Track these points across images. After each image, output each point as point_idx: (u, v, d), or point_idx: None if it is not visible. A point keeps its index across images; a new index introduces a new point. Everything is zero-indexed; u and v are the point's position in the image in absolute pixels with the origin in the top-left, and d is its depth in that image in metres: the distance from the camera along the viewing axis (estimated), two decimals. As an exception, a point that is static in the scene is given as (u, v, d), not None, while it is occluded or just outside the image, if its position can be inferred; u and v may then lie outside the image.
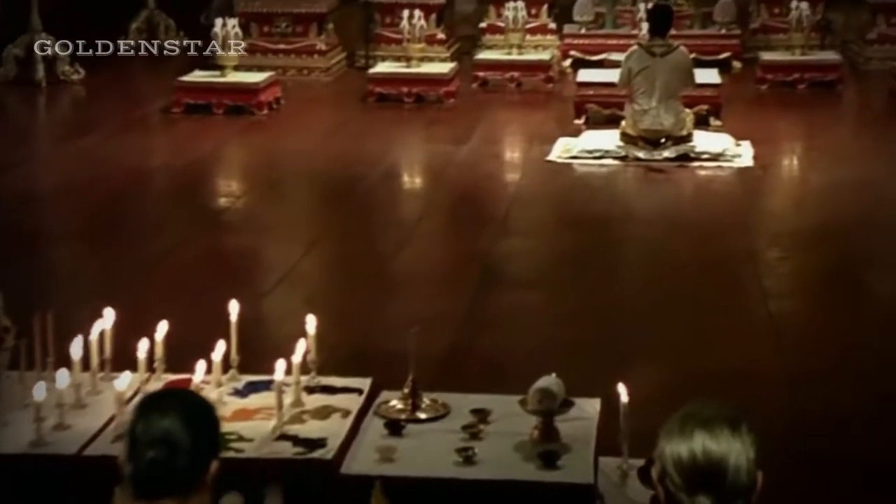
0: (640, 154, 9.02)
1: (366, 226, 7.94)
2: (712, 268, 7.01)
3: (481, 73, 11.46)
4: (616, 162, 9.03)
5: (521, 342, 5.91)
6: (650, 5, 10.60)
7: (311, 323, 4.43)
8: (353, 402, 4.28)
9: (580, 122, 9.99)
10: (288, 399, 4.21)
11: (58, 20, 11.78)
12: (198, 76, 10.85)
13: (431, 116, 10.58)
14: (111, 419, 4.09)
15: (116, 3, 12.98)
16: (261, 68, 11.36)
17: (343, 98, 11.29)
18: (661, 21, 9.31)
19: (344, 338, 5.50)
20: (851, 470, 4.73)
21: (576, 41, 11.88)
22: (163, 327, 4.49)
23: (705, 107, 9.87)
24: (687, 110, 9.25)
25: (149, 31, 13.18)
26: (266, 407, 4.19)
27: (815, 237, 7.59)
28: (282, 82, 11.16)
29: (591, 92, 10.17)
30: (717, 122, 9.86)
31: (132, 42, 13.08)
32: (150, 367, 4.40)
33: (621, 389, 3.98)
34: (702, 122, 9.59)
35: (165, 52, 12.81)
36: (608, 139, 9.20)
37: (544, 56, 11.71)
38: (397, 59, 11.61)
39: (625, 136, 9.11)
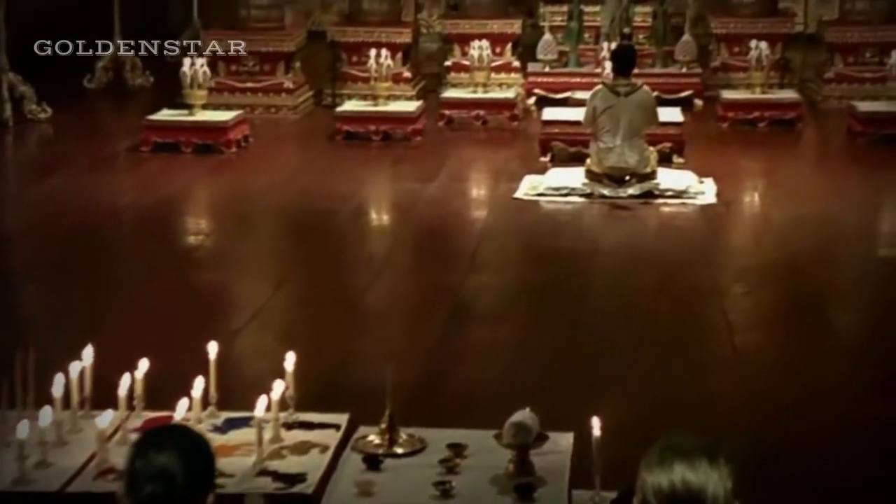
0: (606, 191, 9.18)
1: (336, 262, 8.02)
2: (678, 302, 7.14)
3: (447, 111, 11.60)
4: (582, 199, 9.18)
5: (492, 375, 6.00)
6: (614, 45, 10.80)
7: (289, 360, 4.51)
8: (331, 438, 4.37)
9: (546, 159, 10.14)
10: (267, 435, 4.28)
11: (25, 59, 11.82)
12: (166, 115, 10.92)
13: (399, 154, 10.70)
14: (92, 456, 4.14)
15: (83, 42, 13.04)
16: (228, 107, 11.46)
17: (311, 136, 11.40)
18: (625, 61, 9.50)
19: (317, 373, 5.57)
20: (817, 496, 4.85)
21: (540, 79, 12.05)
22: (143, 365, 4.56)
23: (668, 144, 10.05)
24: (651, 148, 9.42)
25: (115, 70, 13.25)
26: (246, 443, 4.26)
27: (777, 272, 7.75)
28: (250, 120, 11.25)
29: (556, 130, 10.32)
30: (680, 160, 10.04)
31: (99, 80, 13.16)
32: (130, 405, 4.46)
33: (594, 423, 4.08)
34: (665, 160, 9.76)
35: (132, 90, 12.90)
36: (574, 177, 9.35)
37: (509, 94, 11.87)
38: (364, 97, 11.74)
39: (590, 174, 9.26)
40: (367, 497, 3.94)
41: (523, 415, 4.29)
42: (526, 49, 12.64)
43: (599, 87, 9.56)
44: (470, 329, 6.74)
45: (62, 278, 7.53)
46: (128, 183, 10.10)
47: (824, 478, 4.95)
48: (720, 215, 8.94)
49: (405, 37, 12.61)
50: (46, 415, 4.11)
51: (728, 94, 11.72)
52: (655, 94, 9.80)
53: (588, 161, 9.36)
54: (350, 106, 11.49)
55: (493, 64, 11.89)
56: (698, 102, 11.86)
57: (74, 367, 4.41)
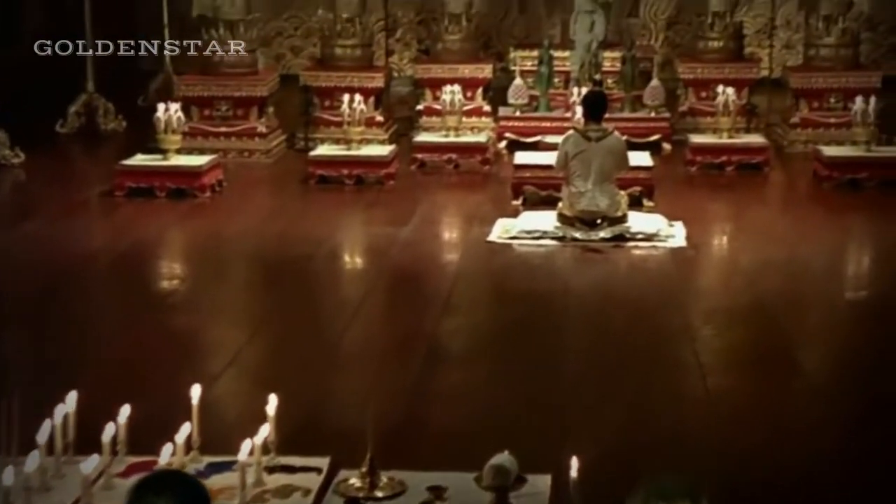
0: (578, 234, 9.31)
1: (312, 306, 8.09)
2: (650, 344, 7.25)
3: (420, 155, 11.71)
4: (554, 242, 9.30)
5: (469, 417, 6.08)
6: (584, 90, 10.96)
7: (272, 403, 4.57)
8: (313, 481, 4.43)
9: (518, 202, 10.26)
10: (250, 479, 4.33)
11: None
12: (140, 160, 10.97)
13: (372, 198, 10.79)
14: (76, 502, 4.18)
15: (56, 87, 13.10)
16: (202, 151, 11.52)
17: (284, 180, 11.48)
18: (595, 108, 9.66)
19: (297, 416, 5.62)
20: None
21: (511, 123, 12.19)
22: (125, 411, 4.61)
23: (638, 188, 10.19)
24: (621, 192, 9.56)
25: (88, 115, 13.30)
26: (228, 487, 4.31)
27: (747, 314, 7.88)
28: (223, 165, 11.33)
29: (527, 174, 10.45)
30: (650, 204, 10.18)
31: (72, 125, 13.21)
32: (113, 450, 4.51)
33: (573, 464, 4.16)
34: (635, 204, 9.90)
35: (105, 134, 12.95)
36: (546, 220, 9.47)
37: (481, 138, 12.00)
38: (336, 140, 11.84)
39: (562, 218, 9.39)
40: (349, 540, 4.00)
41: (502, 457, 4.38)
42: (497, 93, 12.79)
43: (571, 132, 9.71)
44: (446, 371, 6.82)
45: (38, 324, 7.55)
46: (102, 228, 10.13)
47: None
48: (690, 258, 9.08)
49: (377, 81, 12.74)
50: (33, 460, 4.15)
51: (696, 139, 11.90)
52: (625, 137, 9.95)
53: (560, 205, 9.49)
54: (323, 150, 11.58)
55: (465, 108, 12.03)
56: (667, 146, 12.03)
57: (59, 412, 4.45)
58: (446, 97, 11.76)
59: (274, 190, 11.31)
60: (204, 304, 8.06)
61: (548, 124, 11.82)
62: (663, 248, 9.19)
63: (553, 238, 9.32)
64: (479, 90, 12.85)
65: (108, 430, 4.40)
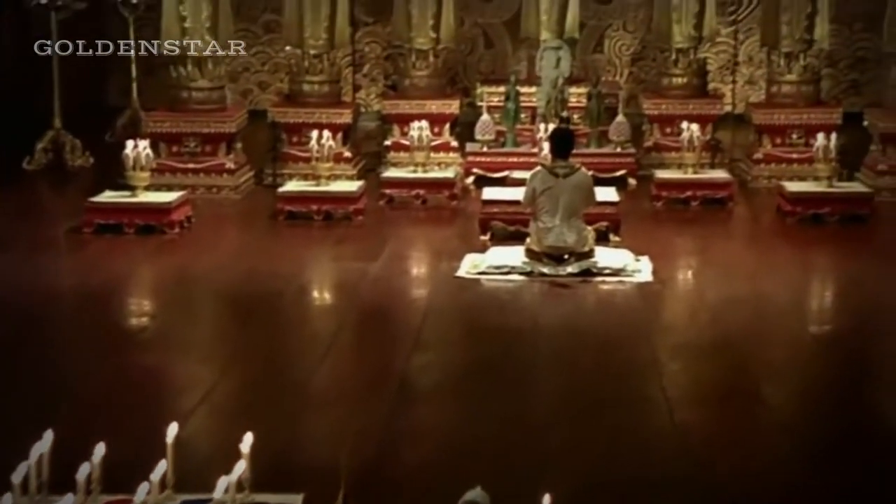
0: (545, 269, 9.40)
1: (282, 343, 8.12)
2: (618, 378, 7.33)
3: (388, 191, 11.79)
4: (522, 277, 9.39)
5: (440, 452, 6.13)
6: (550, 126, 11.08)
7: (247, 441, 4.60)
8: (288, 519, 4.45)
9: (485, 238, 10.35)
10: (226, 517, 4.36)
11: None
12: (109, 196, 10.98)
13: (341, 234, 10.85)
14: (52, 541, 4.20)
15: (22, 123, 13.10)
16: (170, 187, 11.56)
17: (253, 216, 11.52)
18: (562, 145, 9.78)
19: (268, 454, 5.65)
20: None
21: (478, 159, 12.29)
22: (99, 449, 4.63)
23: (605, 223, 10.31)
24: (588, 228, 9.67)
25: (55, 151, 13.28)
26: (204, 525, 4.33)
27: (713, 349, 7.98)
28: (192, 201, 11.35)
29: (495, 209, 10.55)
30: (617, 239, 10.29)
31: (39, 161, 13.19)
32: (87, 489, 4.53)
33: (545, 500, 4.22)
34: (602, 239, 10.01)
35: (72, 171, 12.94)
36: (514, 255, 9.56)
37: (448, 174, 12.09)
38: (304, 176, 11.91)
39: (530, 253, 9.49)
40: (325, 577, 4.03)
41: (475, 493, 4.43)
42: (464, 128, 12.90)
43: (539, 168, 9.83)
44: (417, 407, 6.87)
45: (9, 362, 7.54)
46: (71, 265, 10.13)
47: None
48: (657, 293, 9.18)
49: (345, 117, 12.83)
50: (6, 501, 4.16)
51: (661, 174, 12.04)
52: (591, 172, 10.07)
53: (528, 240, 9.59)
54: (292, 186, 11.64)
55: (433, 144, 12.13)
56: (632, 182, 12.16)
57: (35, 451, 4.47)
58: (414, 133, 11.85)
59: (243, 226, 11.34)
60: (175, 342, 8.08)
61: (515, 160, 11.94)
62: (630, 283, 9.30)
63: (521, 273, 9.41)
64: (447, 126, 12.96)
65: (83, 469, 4.42)
